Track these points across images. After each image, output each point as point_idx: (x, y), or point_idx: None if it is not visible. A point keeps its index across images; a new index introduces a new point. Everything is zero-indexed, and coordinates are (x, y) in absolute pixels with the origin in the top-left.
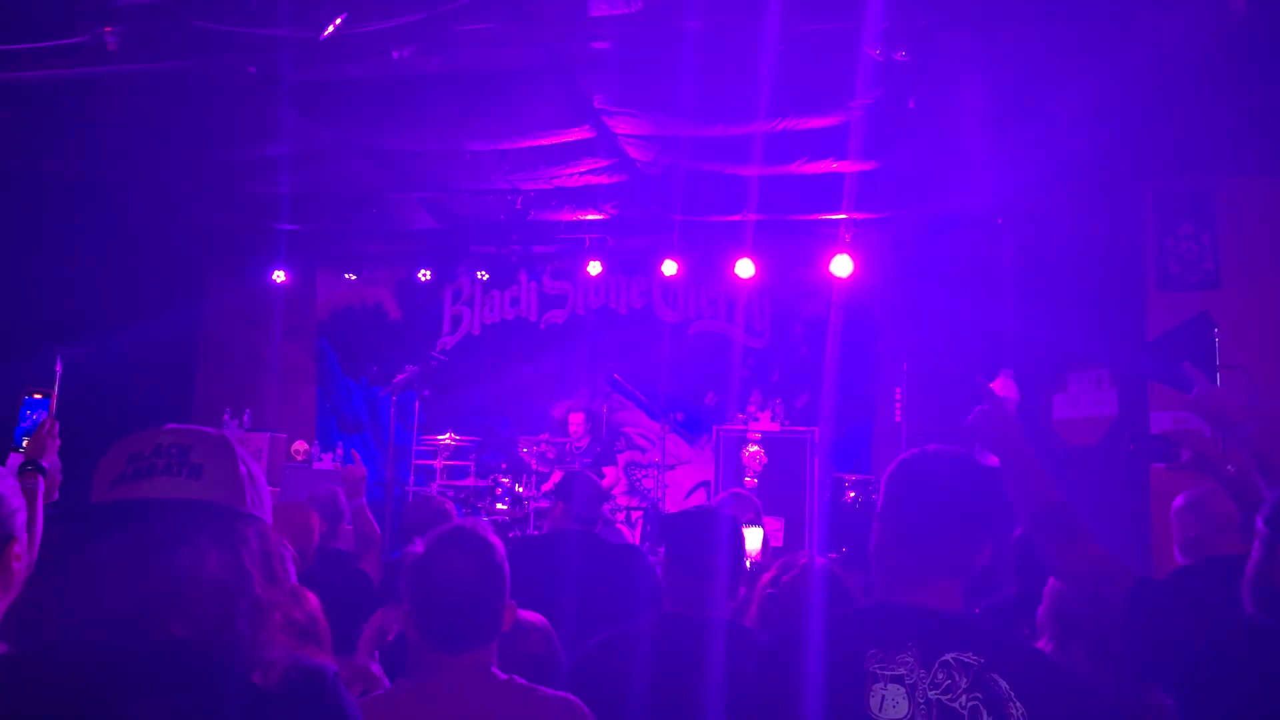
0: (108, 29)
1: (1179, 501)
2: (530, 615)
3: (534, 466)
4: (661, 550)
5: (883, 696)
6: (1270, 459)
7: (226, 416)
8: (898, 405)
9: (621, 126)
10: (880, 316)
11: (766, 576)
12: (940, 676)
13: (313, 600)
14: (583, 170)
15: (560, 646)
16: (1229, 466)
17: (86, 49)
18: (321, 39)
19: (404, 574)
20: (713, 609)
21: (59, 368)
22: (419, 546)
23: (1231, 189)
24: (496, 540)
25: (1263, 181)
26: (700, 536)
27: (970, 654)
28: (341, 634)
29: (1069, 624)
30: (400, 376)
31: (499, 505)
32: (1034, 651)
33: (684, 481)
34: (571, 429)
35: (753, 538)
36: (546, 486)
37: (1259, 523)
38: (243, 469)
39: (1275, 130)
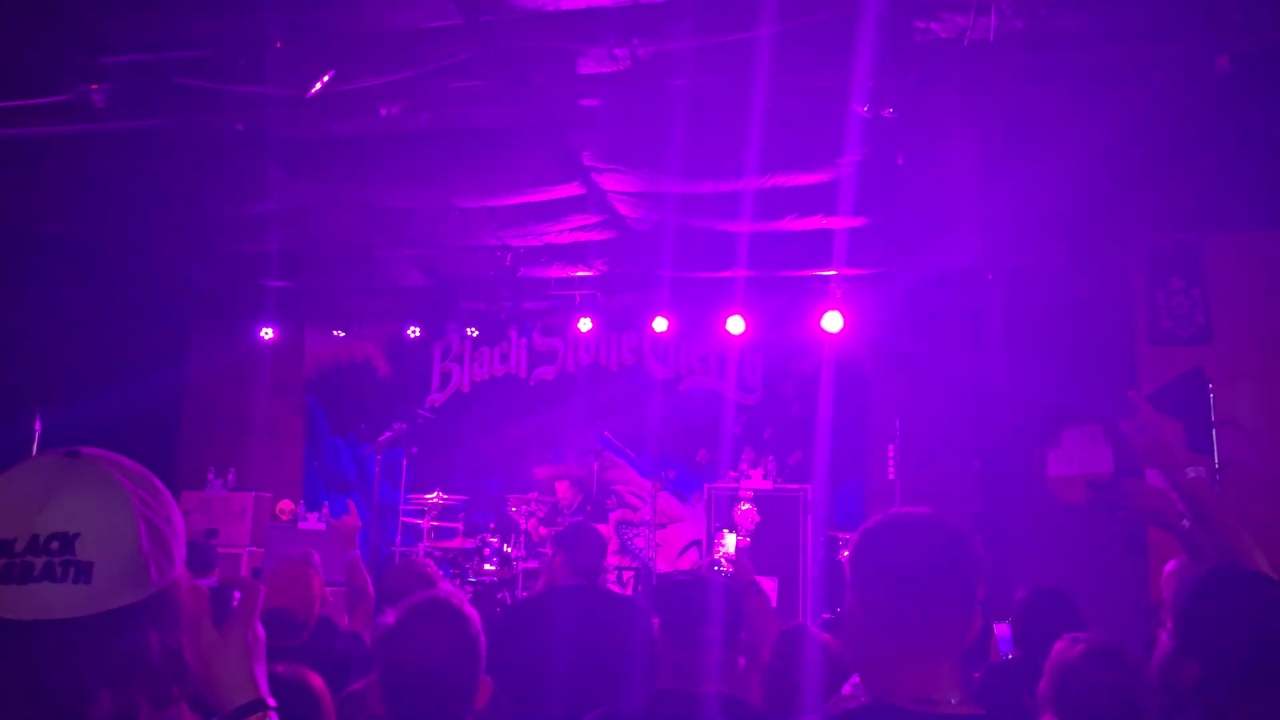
0: (94, 86)
1: (1169, 566)
2: None
3: (523, 526)
4: (656, 621)
5: None
6: (1210, 512)
7: (211, 475)
8: (891, 462)
9: (611, 183)
10: (872, 373)
11: (768, 650)
12: None
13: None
14: (572, 227)
15: None
16: (1183, 521)
17: (73, 107)
18: (309, 96)
19: (374, 647)
20: (709, 683)
21: (38, 427)
22: (390, 617)
23: (1219, 244)
24: (472, 611)
25: (1249, 236)
26: (695, 607)
27: None
28: None
29: (1068, 705)
30: (386, 435)
31: (487, 566)
32: None
33: (675, 540)
34: (559, 495)
35: (728, 542)
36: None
37: (1168, 621)
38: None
39: (1260, 186)
